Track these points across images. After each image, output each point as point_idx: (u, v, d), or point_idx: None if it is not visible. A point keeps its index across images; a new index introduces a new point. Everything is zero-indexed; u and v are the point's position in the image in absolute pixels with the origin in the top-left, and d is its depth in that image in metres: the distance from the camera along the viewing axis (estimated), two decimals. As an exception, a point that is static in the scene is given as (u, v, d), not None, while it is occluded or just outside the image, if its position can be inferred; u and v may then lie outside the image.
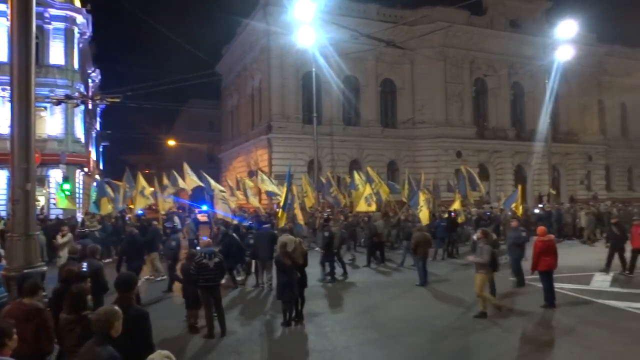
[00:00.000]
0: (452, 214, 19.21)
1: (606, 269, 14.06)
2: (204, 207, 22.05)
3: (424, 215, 16.42)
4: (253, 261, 12.99)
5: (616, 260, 14.08)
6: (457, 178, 24.78)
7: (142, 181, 17.76)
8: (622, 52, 44.97)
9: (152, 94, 47.73)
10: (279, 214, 15.56)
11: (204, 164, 50.99)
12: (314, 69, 27.06)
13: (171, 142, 54.78)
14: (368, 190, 19.67)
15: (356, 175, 21.43)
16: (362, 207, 19.50)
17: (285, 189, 15.89)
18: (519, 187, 16.69)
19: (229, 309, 10.09)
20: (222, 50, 45.19)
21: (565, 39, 30.84)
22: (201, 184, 20.11)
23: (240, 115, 42.18)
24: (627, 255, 13.93)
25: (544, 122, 33.62)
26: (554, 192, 34.33)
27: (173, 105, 43.32)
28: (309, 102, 31.08)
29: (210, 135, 54.53)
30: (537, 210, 23.79)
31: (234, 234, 13.15)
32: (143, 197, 17.76)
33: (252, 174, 32.79)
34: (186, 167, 20.14)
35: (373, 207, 19.47)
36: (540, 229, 10.80)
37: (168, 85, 23.55)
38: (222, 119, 49.19)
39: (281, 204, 16.18)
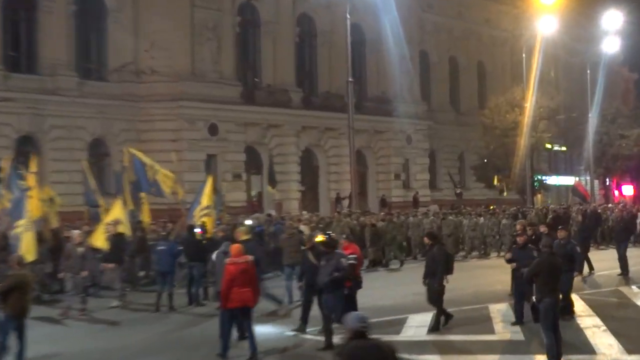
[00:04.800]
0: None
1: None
2: None
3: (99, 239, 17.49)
4: None
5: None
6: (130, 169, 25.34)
7: None
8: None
9: None
10: None
11: None
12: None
13: None
14: None
15: None
16: None
17: None
18: (209, 179, 18.75)
19: None
20: None
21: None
22: None
23: None
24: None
25: (344, 82, 35.30)
26: (273, 191, 37.93)
27: None
28: None
29: None
30: (249, 222, 25.65)
31: None
32: None
33: None
34: None
35: None
36: (235, 247, 12.83)
37: None
38: None
39: None
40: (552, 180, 52.10)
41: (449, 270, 15.02)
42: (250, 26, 40.38)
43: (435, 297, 14.60)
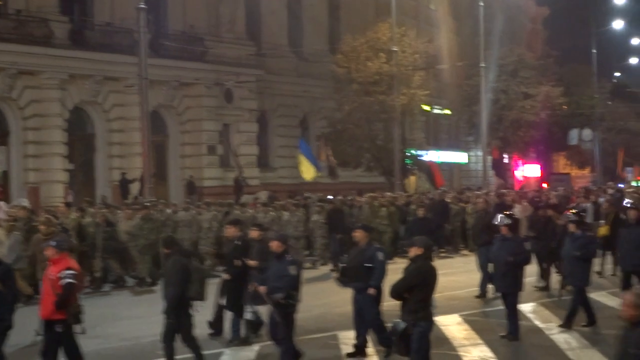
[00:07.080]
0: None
1: None
2: None
3: None
4: None
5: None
6: None
7: None
8: None
9: None
10: None
11: None
12: None
13: None
14: None
15: None
16: None
17: None
18: None
19: None
20: None
21: None
22: None
23: None
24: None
25: (133, 9, 34.59)
26: None
27: None
28: None
29: None
30: None
31: None
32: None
33: None
34: None
35: None
36: None
37: None
38: None
39: None
40: (432, 155, 53.20)
41: (196, 293, 14.53)
42: None
43: (184, 335, 14.22)
